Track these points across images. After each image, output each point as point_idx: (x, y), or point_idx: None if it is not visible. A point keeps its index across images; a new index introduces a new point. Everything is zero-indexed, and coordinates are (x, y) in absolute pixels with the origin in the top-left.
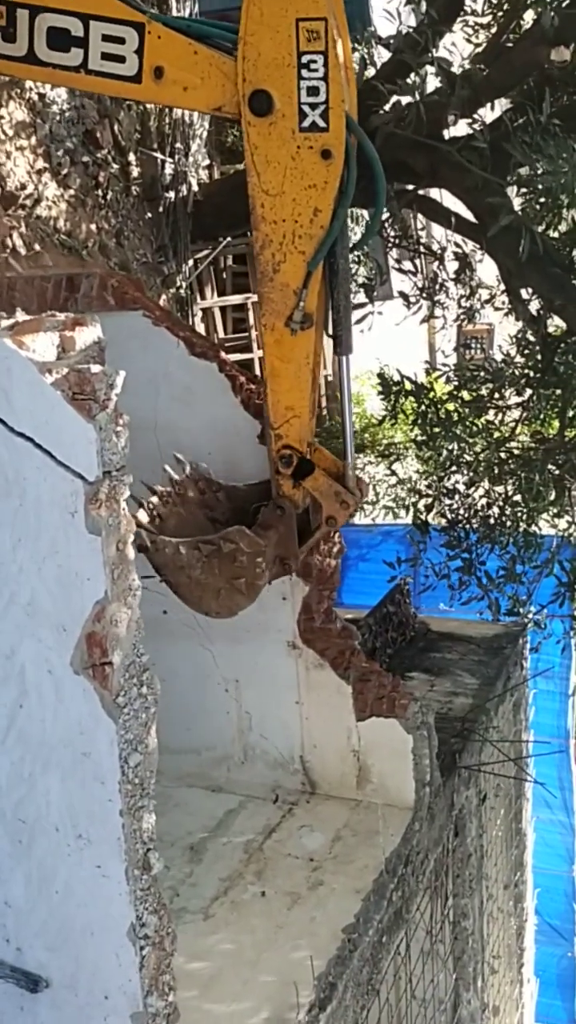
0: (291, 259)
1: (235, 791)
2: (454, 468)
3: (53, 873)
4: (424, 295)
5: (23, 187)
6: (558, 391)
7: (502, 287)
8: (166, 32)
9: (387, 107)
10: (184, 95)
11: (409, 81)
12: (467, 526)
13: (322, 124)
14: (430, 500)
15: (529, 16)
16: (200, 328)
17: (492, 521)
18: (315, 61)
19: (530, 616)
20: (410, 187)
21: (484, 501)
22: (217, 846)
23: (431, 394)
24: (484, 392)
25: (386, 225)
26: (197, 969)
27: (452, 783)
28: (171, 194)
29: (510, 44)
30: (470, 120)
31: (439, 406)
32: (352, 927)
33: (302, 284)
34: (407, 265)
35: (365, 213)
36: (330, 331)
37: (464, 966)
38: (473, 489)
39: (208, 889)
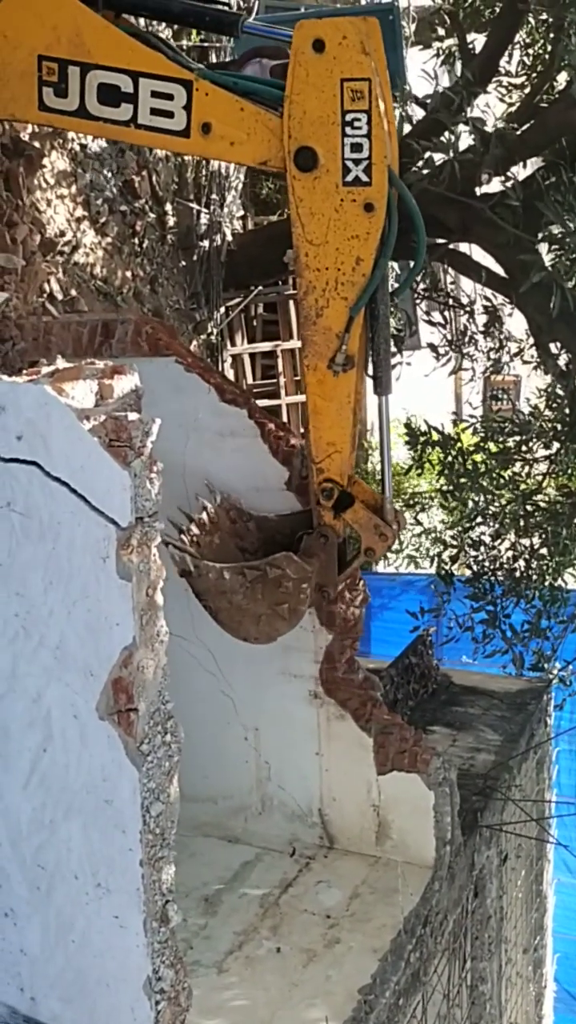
0: (334, 305)
1: (252, 842)
2: (480, 519)
3: (71, 922)
4: (453, 347)
5: (62, 234)
6: None
7: (531, 340)
8: (213, 89)
9: (421, 163)
10: (231, 149)
11: (444, 139)
12: (492, 578)
13: (365, 179)
14: (455, 551)
15: (563, 78)
16: (229, 374)
17: (518, 574)
18: (359, 119)
19: (555, 672)
20: (441, 241)
21: (510, 554)
22: (233, 899)
23: (458, 445)
24: (511, 444)
25: (416, 278)
26: None
27: (473, 842)
28: (205, 243)
29: (544, 105)
30: (503, 178)
31: (466, 457)
32: (368, 988)
33: (344, 328)
34: (436, 317)
35: (395, 265)
36: (370, 372)
37: None
38: (499, 541)
39: (222, 943)
